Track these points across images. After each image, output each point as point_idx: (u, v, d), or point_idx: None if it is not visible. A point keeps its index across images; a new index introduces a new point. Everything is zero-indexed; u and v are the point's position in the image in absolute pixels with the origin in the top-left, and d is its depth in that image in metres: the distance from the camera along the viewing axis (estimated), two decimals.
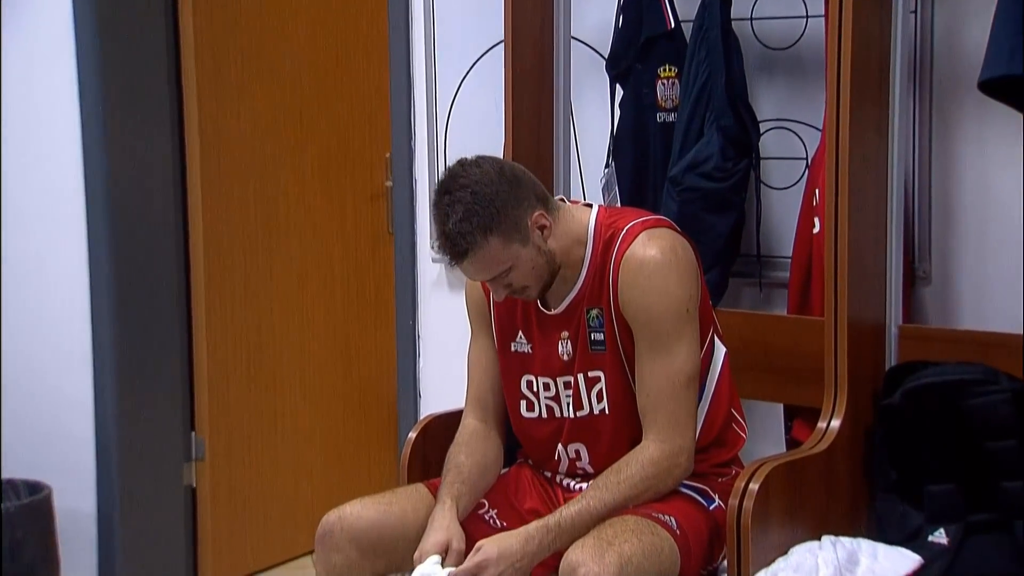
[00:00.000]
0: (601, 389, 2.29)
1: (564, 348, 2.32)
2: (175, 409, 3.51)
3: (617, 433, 2.30)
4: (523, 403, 2.38)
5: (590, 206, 2.34)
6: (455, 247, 2.18)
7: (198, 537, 3.58)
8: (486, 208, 2.16)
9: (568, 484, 2.38)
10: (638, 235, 2.24)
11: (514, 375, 2.39)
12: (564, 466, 2.38)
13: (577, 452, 2.35)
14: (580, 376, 2.30)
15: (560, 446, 2.36)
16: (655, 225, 2.27)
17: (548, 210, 2.25)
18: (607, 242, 2.26)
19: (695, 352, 2.24)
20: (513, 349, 2.38)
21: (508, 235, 2.19)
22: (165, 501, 3.49)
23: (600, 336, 2.28)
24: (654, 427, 2.23)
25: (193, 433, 3.56)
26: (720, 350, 2.35)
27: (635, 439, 2.27)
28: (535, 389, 2.37)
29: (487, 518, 2.36)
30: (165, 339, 3.49)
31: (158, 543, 3.47)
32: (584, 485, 2.34)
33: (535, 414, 2.37)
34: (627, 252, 2.23)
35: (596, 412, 2.31)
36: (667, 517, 2.18)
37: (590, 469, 2.35)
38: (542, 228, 2.23)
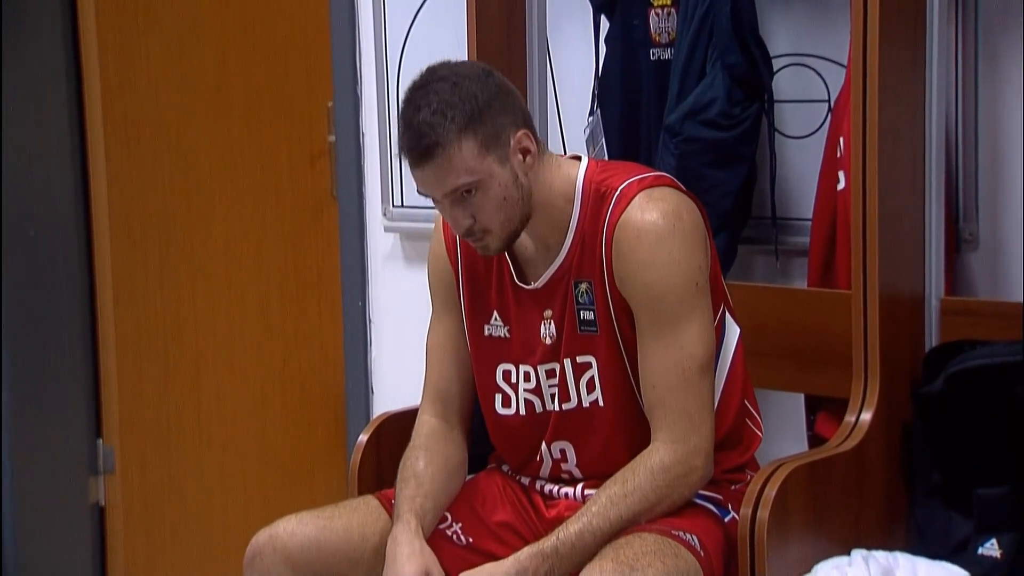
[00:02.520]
0: (593, 377, 2.29)
1: (547, 330, 2.32)
2: (77, 412, 3.51)
3: (612, 428, 2.30)
4: (498, 397, 2.39)
5: (578, 159, 2.34)
6: (420, 141, 2.16)
7: (107, 564, 3.57)
8: (466, 104, 2.16)
9: (550, 490, 2.39)
10: (635, 197, 2.23)
11: (488, 364, 2.39)
12: (546, 468, 2.38)
13: (562, 452, 2.35)
14: (567, 362, 2.30)
15: (544, 445, 2.36)
16: (654, 184, 2.26)
17: (534, 138, 2.25)
18: (597, 203, 2.26)
19: (708, 333, 2.24)
20: (487, 333, 2.38)
21: (486, 143, 2.18)
22: (68, 521, 3.49)
23: (591, 315, 2.28)
24: (663, 426, 2.22)
25: (100, 441, 3.56)
26: (733, 329, 2.34)
27: (633, 436, 2.27)
28: (513, 381, 2.37)
29: (450, 534, 2.37)
30: (64, 330, 3.48)
31: (60, 571, 3.47)
32: (569, 490, 2.35)
33: (511, 411, 2.38)
34: (622, 217, 2.22)
35: (587, 404, 2.31)
36: (689, 536, 2.18)
37: (577, 472, 2.35)
38: (525, 152, 2.23)
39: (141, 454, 3.59)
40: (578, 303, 2.28)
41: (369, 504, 2.39)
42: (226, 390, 3.75)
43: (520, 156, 2.22)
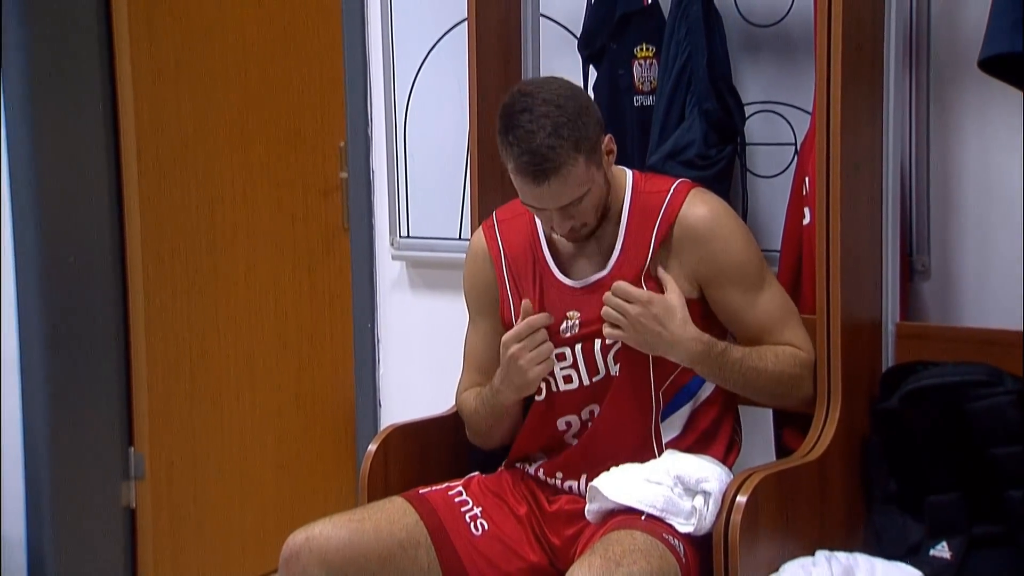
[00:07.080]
0: (618, 351, 2.32)
1: (567, 324, 2.35)
2: (111, 423, 3.51)
3: (622, 395, 2.33)
4: (560, 374, 2.38)
5: (623, 169, 2.42)
6: (545, 163, 2.19)
7: (138, 563, 3.57)
8: (574, 123, 2.20)
9: (554, 483, 2.40)
10: (687, 193, 2.33)
11: None
12: (573, 431, 2.39)
13: (591, 411, 2.38)
14: (596, 341, 2.33)
15: (574, 416, 2.39)
16: (698, 187, 2.37)
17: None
18: (645, 199, 2.34)
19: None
20: None
21: (590, 155, 2.24)
22: (102, 524, 3.49)
23: None
24: (790, 341, 2.33)
25: (131, 449, 3.56)
26: None
27: (640, 403, 2.31)
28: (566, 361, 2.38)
29: (469, 519, 2.38)
30: (100, 347, 3.49)
31: (94, 570, 3.46)
32: (572, 483, 2.35)
33: (574, 385, 2.38)
34: (683, 212, 2.31)
35: (612, 373, 2.34)
36: (675, 541, 2.19)
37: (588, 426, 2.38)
38: (609, 153, 2.30)
39: (169, 461, 3.60)
40: None
41: (395, 503, 2.38)
42: (246, 403, 3.76)
43: (608, 156, 2.30)
